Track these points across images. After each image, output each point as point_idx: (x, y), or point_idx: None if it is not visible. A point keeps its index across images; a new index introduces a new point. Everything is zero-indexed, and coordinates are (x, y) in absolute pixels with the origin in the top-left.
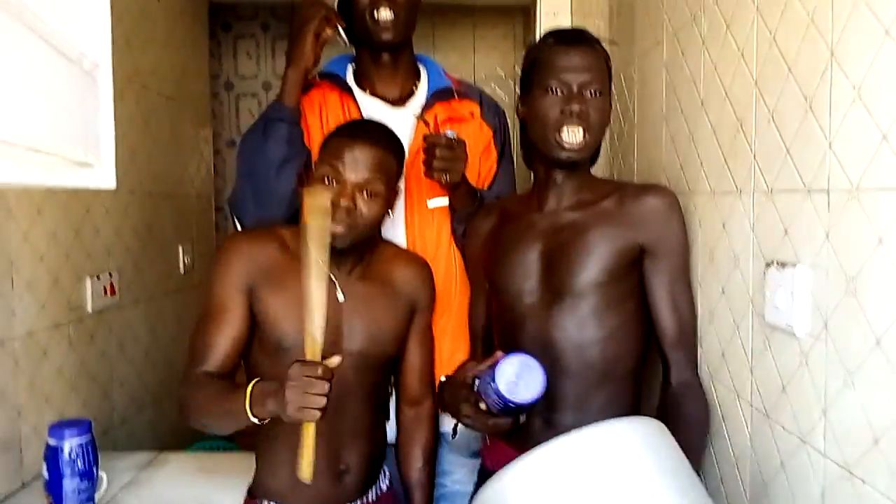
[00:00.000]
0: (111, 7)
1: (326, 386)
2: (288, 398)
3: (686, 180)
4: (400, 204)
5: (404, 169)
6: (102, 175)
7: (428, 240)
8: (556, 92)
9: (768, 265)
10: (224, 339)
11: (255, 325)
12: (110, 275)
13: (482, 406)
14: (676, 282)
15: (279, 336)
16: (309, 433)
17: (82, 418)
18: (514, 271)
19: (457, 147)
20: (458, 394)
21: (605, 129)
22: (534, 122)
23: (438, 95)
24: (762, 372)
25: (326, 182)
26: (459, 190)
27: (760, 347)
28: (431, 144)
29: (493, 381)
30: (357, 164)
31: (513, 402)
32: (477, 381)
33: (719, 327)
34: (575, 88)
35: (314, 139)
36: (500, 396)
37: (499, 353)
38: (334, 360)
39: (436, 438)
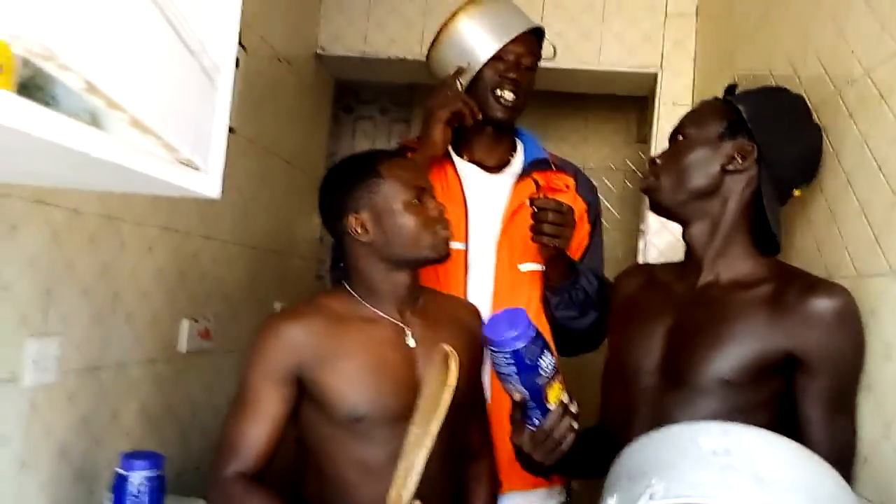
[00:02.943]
0: (244, 73)
1: None
2: None
3: (825, 266)
4: (489, 266)
5: (499, 232)
6: (207, 182)
7: (518, 304)
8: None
9: None
10: (259, 434)
11: (312, 402)
12: (208, 319)
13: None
14: (836, 408)
15: (347, 406)
16: None
17: (156, 452)
18: (636, 344)
19: (567, 213)
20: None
21: (693, 174)
22: None
23: (535, 165)
24: None
25: (415, 204)
26: (559, 260)
27: None
28: (542, 208)
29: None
30: (423, 178)
31: (497, 341)
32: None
33: (863, 428)
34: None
35: None
36: (493, 345)
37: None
38: None
39: (495, 492)
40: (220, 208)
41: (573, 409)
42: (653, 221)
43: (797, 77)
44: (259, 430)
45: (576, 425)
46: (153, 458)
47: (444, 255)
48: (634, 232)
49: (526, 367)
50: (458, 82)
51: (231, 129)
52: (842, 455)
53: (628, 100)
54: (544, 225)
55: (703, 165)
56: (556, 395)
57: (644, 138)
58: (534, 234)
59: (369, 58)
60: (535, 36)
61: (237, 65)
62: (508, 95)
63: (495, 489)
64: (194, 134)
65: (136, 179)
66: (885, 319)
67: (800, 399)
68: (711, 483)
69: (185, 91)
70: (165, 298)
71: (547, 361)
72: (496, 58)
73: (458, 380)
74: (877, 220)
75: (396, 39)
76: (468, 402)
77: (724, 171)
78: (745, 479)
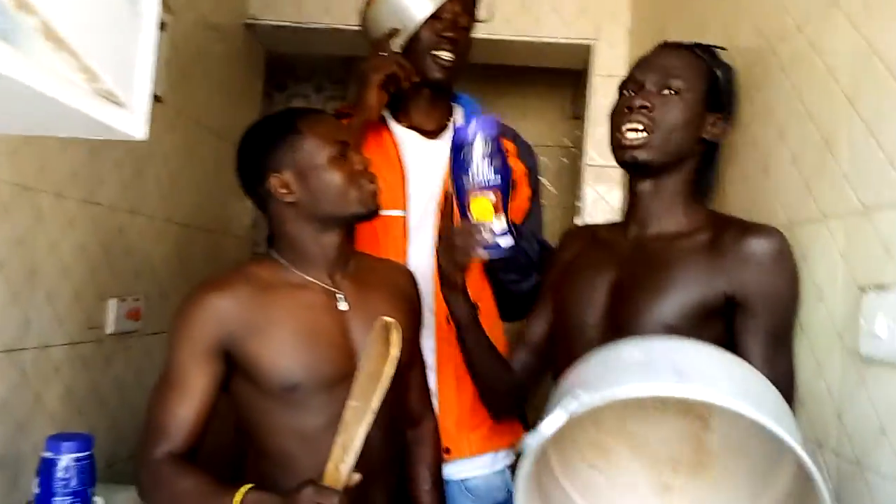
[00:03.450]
0: (171, 38)
1: None
2: None
3: (758, 216)
4: (430, 232)
5: (439, 196)
6: (132, 120)
7: None
8: (629, 92)
9: (864, 290)
10: (188, 413)
11: (243, 375)
12: (136, 300)
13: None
14: (775, 345)
15: (279, 377)
16: None
17: (84, 434)
18: (580, 300)
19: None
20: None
21: (685, 134)
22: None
23: None
24: (853, 415)
25: (337, 160)
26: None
27: (852, 387)
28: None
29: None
30: (343, 131)
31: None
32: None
33: (797, 369)
34: (647, 86)
35: None
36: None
37: None
38: (355, 479)
39: (440, 457)
40: (145, 181)
41: (490, 232)
42: (590, 196)
43: (729, 36)
44: (187, 408)
45: (483, 253)
46: (81, 440)
47: (372, 210)
48: (571, 208)
49: (459, 165)
50: (392, 44)
51: (157, 98)
52: (784, 390)
53: (564, 76)
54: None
55: (692, 130)
56: (480, 210)
57: (578, 114)
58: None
59: (303, 27)
60: None
61: (163, 28)
62: (446, 55)
63: (439, 453)
64: (115, 63)
65: (48, 110)
66: (816, 263)
67: (740, 339)
68: (633, 381)
69: (104, 13)
70: (89, 276)
71: (483, 172)
72: (433, 17)
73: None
74: (807, 168)
75: (332, 8)
76: (406, 367)
77: (700, 137)
78: (666, 374)
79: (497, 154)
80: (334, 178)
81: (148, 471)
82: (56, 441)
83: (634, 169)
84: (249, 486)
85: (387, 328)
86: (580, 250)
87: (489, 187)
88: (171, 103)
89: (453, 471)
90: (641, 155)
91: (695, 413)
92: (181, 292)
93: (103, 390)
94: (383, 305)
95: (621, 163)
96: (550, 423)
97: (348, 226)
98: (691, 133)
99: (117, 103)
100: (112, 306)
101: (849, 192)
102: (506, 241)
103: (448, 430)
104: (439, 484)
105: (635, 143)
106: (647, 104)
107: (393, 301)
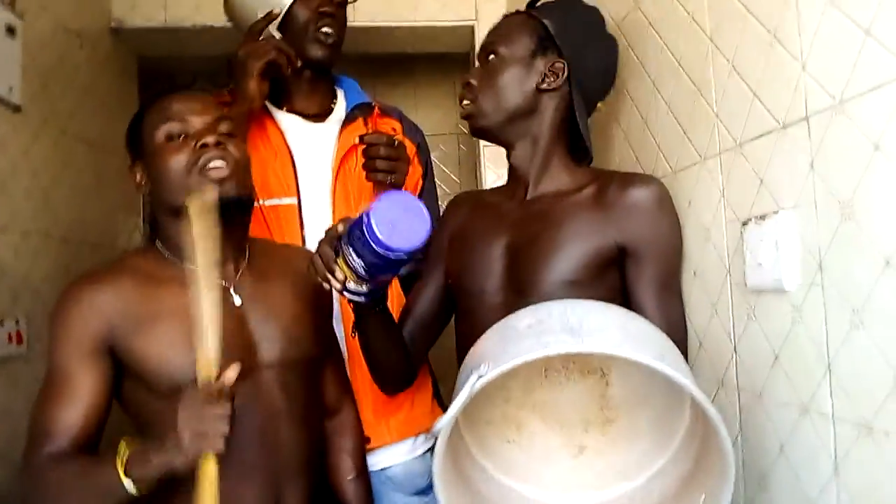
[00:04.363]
0: (25, 43)
1: (227, 407)
2: (182, 431)
3: (643, 169)
4: (326, 217)
5: (331, 181)
6: None
7: None
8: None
9: (745, 224)
10: (74, 418)
11: (131, 376)
12: (17, 322)
13: (341, 269)
14: (665, 290)
15: (169, 374)
16: (209, 471)
17: None
18: (476, 267)
19: (399, 147)
20: (323, 250)
21: (509, 94)
22: None
23: (359, 110)
24: (748, 348)
25: (173, 140)
26: None
27: (744, 320)
28: (374, 143)
29: (369, 219)
30: (198, 107)
31: (387, 248)
32: (344, 228)
33: (695, 314)
34: (477, 62)
35: None
36: (373, 240)
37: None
38: (231, 373)
39: (363, 445)
40: (12, 195)
41: (344, 287)
42: (490, 178)
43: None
44: (73, 412)
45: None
46: None
47: (221, 198)
48: None
49: (354, 230)
50: (269, 29)
51: (16, 107)
52: (676, 334)
53: (453, 62)
54: (377, 161)
55: (519, 85)
56: (345, 270)
57: None
58: (367, 172)
59: (172, 28)
60: None
61: (12, 33)
62: (327, 30)
63: (361, 441)
64: None
65: None
66: (700, 205)
67: (632, 287)
68: (529, 347)
69: None
70: None
71: (358, 263)
72: None
73: (301, 332)
74: (683, 115)
75: (202, 6)
76: (319, 356)
77: (538, 89)
78: (559, 335)
79: (381, 260)
80: (166, 162)
81: (29, 475)
82: None
83: (481, 136)
84: (125, 441)
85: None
86: (466, 218)
87: (358, 275)
88: (33, 113)
89: (373, 461)
90: (475, 123)
91: (595, 371)
92: None
93: None
94: (284, 296)
95: (471, 134)
96: (456, 403)
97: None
98: (519, 88)
99: None
100: None
101: (722, 130)
102: (356, 297)
103: (366, 419)
104: (364, 472)
105: (466, 112)
106: (470, 80)
107: (296, 290)
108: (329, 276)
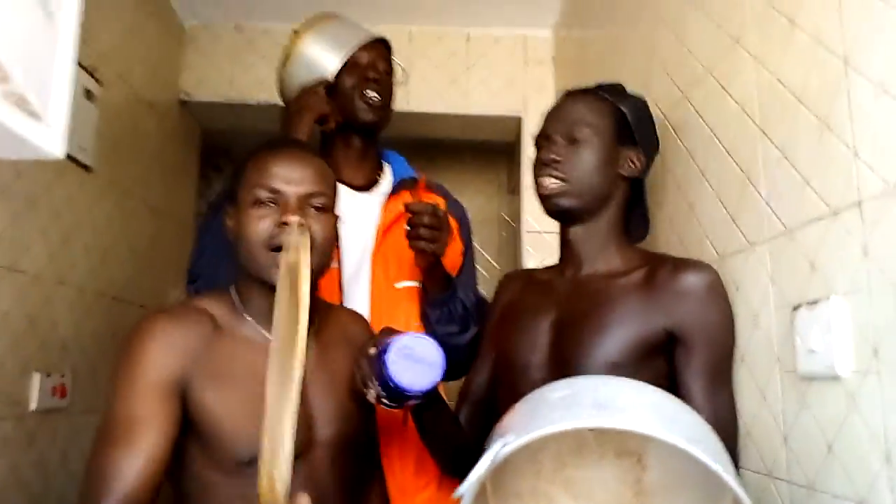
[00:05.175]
0: (101, 108)
1: None
2: None
3: (688, 254)
4: (365, 285)
5: (372, 250)
6: (49, 135)
7: (397, 323)
8: (540, 145)
9: (796, 309)
10: (137, 462)
11: (193, 433)
12: (62, 375)
13: (373, 386)
14: (714, 381)
15: (242, 447)
16: None
17: None
18: (522, 342)
19: (443, 217)
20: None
21: (600, 176)
22: None
23: (404, 184)
24: (799, 438)
25: (263, 207)
26: (436, 271)
27: (794, 408)
28: (418, 212)
29: (385, 353)
30: (296, 176)
31: (395, 383)
32: (373, 353)
33: (742, 401)
34: (557, 138)
35: None
36: (388, 377)
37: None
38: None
39: None
40: (73, 250)
41: (374, 399)
42: (531, 264)
43: (647, 89)
44: (134, 464)
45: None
46: None
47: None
48: None
49: (397, 397)
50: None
51: (87, 167)
52: (726, 427)
53: (499, 152)
54: (421, 229)
55: (607, 169)
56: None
57: (514, 189)
58: (410, 240)
59: (236, 103)
60: (383, 46)
61: (90, 97)
62: (372, 93)
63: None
64: (28, 69)
65: None
66: (748, 290)
67: (681, 374)
68: (557, 418)
69: (13, 11)
70: (11, 347)
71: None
72: (351, 65)
73: (354, 407)
74: (731, 201)
75: (264, 83)
76: (368, 431)
77: (619, 174)
78: (587, 409)
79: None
80: (248, 227)
81: None
82: None
83: (561, 216)
84: None
85: (293, 270)
86: (517, 294)
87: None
88: (102, 174)
89: None
90: (562, 201)
91: (631, 453)
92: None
93: (25, 471)
94: (344, 368)
95: (549, 212)
96: (478, 469)
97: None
98: (607, 173)
99: (32, 113)
100: (36, 381)
101: (771, 216)
102: (394, 407)
103: (393, 496)
104: None
105: (554, 190)
106: (557, 157)
107: (351, 361)
108: (365, 391)
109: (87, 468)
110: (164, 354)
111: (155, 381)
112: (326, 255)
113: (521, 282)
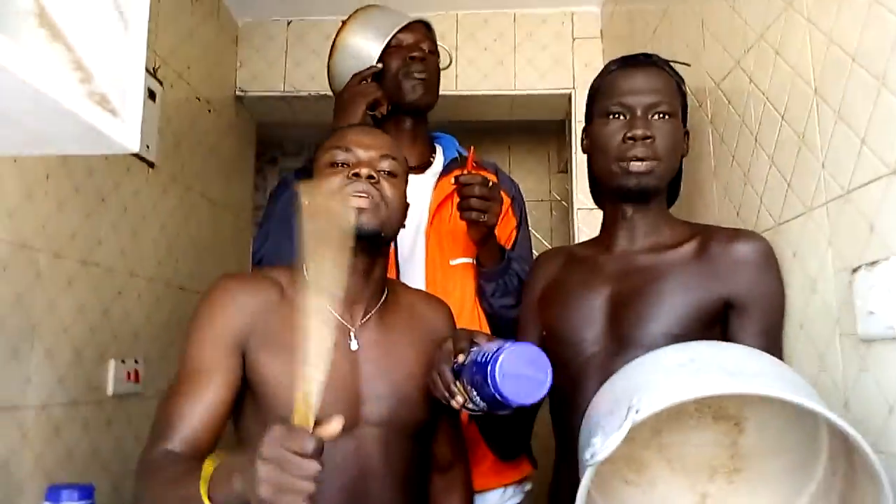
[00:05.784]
0: (162, 107)
1: (316, 465)
2: (261, 476)
3: (744, 223)
4: (420, 262)
5: (426, 228)
6: (125, 130)
7: (452, 299)
8: (619, 116)
9: (854, 271)
10: (200, 408)
11: (248, 391)
12: (136, 361)
13: (461, 392)
14: (770, 346)
15: (279, 405)
16: None
17: (84, 485)
18: (575, 317)
19: (493, 188)
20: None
21: (678, 156)
22: (596, 152)
23: (456, 163)
24: (860, 400)
25: (335, 167)
26: (488, 245)
27: (855, 373)
28: (468, 184)
29: (493, 370)
30: (369, 144)
31: (508, 400)
32: (465, 360)
33: (801, 367)
34: (639, 112)
35: None
36: (496, 391)
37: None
38: (332, 428)
39: None
40: (142, 243)
41: (459, 406)
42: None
43: (698, 59)
44: (201, 404)
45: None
46: (82, 489)
47: (356, 229)
48: None
49: (496, 406)
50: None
51: (151, 164)
52: None
53: (548, 131)
54: (472, 200)
55: (680, 150)
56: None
57: (564, 168)
58: (462, 211)
59: (290, 96)
60: (423, 27)
61: (153, 97)
62: (418, 71)
63: (471, 501)
64: (107, 68)
65: (39, 113)
66: (806, 256)
67: (737, 339)
68: (687, 385)
69: (92, 12)
70: (89, 337)
71: (477, 399)
72: (394, 48)
73: (414, 392)
74: (786, 167)
75: (316, 76)
76: (429, 419)
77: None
78: (716, 375)
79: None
80: (321, 182)
81: (141, 469)
82: (57, 490)
83: (640, 195)
84: (211, 459)
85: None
86: (560, 271)
87: (477, 405)
88: (164, 170)
89: None
90: (651, 181)
91: (729, 417)
92: None
93: (104, 452)
94: (405, 351)
95: (629, 191)
96: (618, 437)
97: (357, 247)
98: (680, 154)
99: (111, 111)
100: (112, 367)
101: (828, 179)
102: (476, 412)
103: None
104: None
105: (643, 170)
106: (650, 135)
107: (419, 347)
108: (448, 397)
109: (157, 413)
110: (229, 314)
111: (220, 337)
112: (395, 217)
113: (562, 258)
